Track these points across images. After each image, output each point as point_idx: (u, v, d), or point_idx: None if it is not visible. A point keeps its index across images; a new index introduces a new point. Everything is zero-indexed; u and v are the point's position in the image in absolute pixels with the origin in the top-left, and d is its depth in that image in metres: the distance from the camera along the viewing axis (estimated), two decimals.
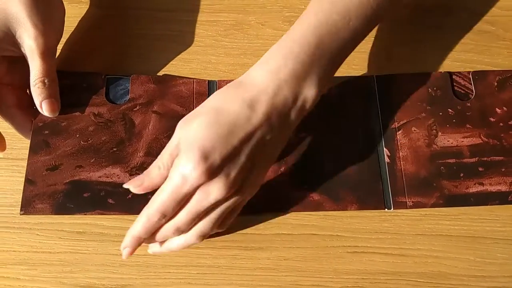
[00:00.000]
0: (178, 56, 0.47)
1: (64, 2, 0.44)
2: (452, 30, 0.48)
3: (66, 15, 0.44)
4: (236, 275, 0.40)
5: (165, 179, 0.34)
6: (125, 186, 0.36)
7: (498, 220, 0.42)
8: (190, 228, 0.36)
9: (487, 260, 0.41)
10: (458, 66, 0.46)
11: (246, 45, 0.47)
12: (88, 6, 0.49)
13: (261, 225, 0.41)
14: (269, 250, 0.41)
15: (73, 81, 0.44)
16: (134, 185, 0.35)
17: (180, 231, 0.35)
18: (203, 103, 0.36)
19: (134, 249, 0.36)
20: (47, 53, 0.40)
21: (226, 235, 0.41)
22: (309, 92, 0.36)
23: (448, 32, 0.48)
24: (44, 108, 0.41)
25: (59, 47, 0.45)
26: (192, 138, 0.33)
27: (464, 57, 0.47)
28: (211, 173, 0.32)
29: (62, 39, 0.45)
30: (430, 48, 0.47)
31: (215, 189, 0.33)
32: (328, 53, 0.36)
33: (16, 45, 0.40)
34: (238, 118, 0.33)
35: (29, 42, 0.39)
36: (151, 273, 0.40)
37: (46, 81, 0.40)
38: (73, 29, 0.48)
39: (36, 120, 0.43)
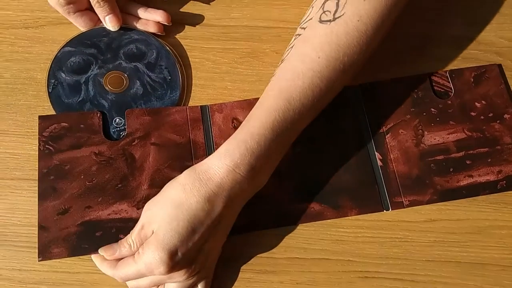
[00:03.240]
0: (196, 82, 0.48)
1: None
2: (460, 61, 0.49)
3: None
4: None
5: (134, 253, 0.37)
6: (100, 251, 0.39)
7: (506, 248, 0.43)
8: None
9: (495, 287, 0.41)
10: None
11: (261, 72, 0.49)
12: None
13: (274, 249, 0.43)
14: (282, 274, 0.42)
15: (71, 123, 0.45)
16: (107, 254, 0.39)
17: None
18: (163, 192, 0.38)
19: None
20: None
21: (241, 258, 0.42)
22: (263, 178, 0.40)
23: (456, 63, 0.49)
24: (108, 24, 0.47)
25: None
26: (157, 236, 0.36)
27: None
28: (175, 268, 0.36)
29: None
30: None
31: (177, 276, 0.37)
32: (282, 146, 0.40)
33: None
34: (197, 213, 0.36)
35: None
36: None
37: (100, 1, 0.46)
38: None
39: (40, 167, 0.43)
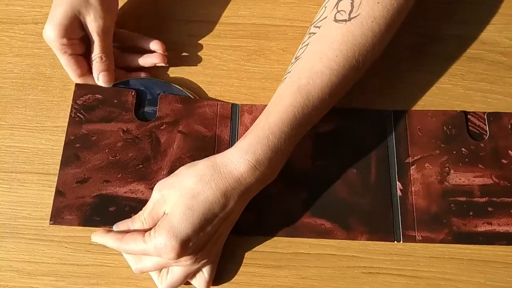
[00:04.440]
0: (203, 79, 0.49)
1: None
2: (464, 60, 0.50)
3: None
4: None
5: (146, 230, 0.38)
6: (114, 227, 0.40)
7: (509, 245, 0.43)
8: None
9: (497, 284, 0.42)
10: (471, 94, 0.48)
11: (267, 70, 0.49)
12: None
13: (279, 244, 0.43)
14: (287, 268, 0.42)
15: (105, 96, 0.46)
16: (122, 230, 0.40)
17: (143, 273, 0.40)
18: (179, 176, 0.38)
19: None
20: (104, 32, 0.44)
21: (246, 252, 0.43)
22: (276, 172, 0.40)
23: (460, 62, 0.50)
24: (100, 79, 0.45)
25: None
26: (170, 222, 0.36)
27: (476, 86, 0.48)
28: (183, 256, 0.37)
29: None
30: (441, 77, 0.49)
31: (184, 261, 0.38)
32: (297, 140, 0.41)
33: (84, 26, 0.44)
34: (213, 206, 0.37)
35: (89, 22, 0.44)
36: None
37: (103, 57, 0.45)
38: None
39: (68, 133, 0.45)
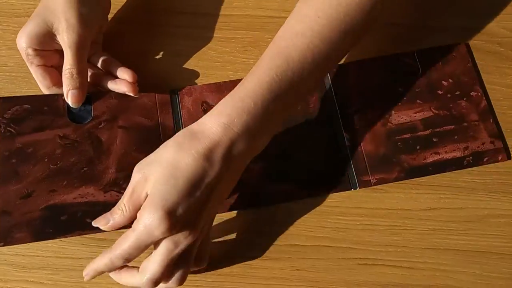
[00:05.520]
0: (198, 71, 0.48)
1: None
2: None
3: None
4: (251, 283, 0.42)
5: (128, 219, 0.36)
6: (93, 224, 0.38)
7: (505, 236, 0.43)
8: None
9: (493, 275, 0.42)
10: None
11: None
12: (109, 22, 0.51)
13: (275, 236, 0.43)
14: (283, 260, 0.42)
15: (34, 105, 0.44)
16: (101, 224, 0.37)
17: (159, 283, 0.36)
18: (158, 152, 0.36)
19: (94, 277, 0.38)
20: (77, 46, 0.42)
21: (242, 244, 0.43)
22: (261, 141, 0.39)
23: None
24: (69, 97, 0.42)
25: None
26: (153, 197, 0.34)
27: None
28: (176, 227, 0.34)
29: None
30: None
31: (183, 238, 0.35)
32: (282, 108, 0.38)
33: (56, 38, 0.43)
34: (197, 171, 0.34)
35: (61, 35, 0.42)
36: None
37: (74, 73, 0.42)
38: None
39: (1, 150, 0.42)
